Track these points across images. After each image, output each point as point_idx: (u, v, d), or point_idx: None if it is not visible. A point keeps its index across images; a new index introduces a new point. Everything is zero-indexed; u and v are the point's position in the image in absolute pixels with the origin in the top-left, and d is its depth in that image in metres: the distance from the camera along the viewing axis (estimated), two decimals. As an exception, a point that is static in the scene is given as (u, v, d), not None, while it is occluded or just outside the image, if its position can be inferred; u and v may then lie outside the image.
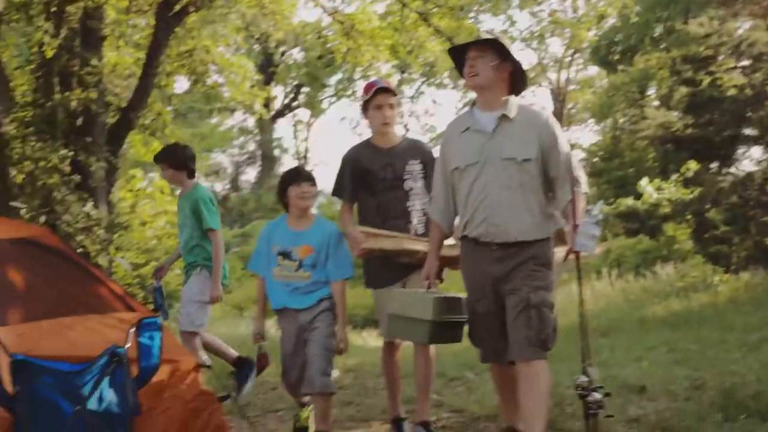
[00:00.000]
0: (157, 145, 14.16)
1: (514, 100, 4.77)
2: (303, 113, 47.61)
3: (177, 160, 6.75)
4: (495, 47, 4.70)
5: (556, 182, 4.68)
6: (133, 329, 4.68)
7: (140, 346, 4.68)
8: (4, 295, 5.01)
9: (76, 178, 10.10)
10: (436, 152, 5.34)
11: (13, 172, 9.94)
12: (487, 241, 4.64)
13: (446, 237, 5.03)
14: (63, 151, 10.13)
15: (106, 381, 4.53)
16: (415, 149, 5.68)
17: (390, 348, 5.69)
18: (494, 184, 4.63)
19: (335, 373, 5.76)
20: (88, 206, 10.04)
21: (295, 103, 45.95)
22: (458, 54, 4.87)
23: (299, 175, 5.63)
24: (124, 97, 11.90)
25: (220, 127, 45.49)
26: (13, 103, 10.30)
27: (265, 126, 43.68)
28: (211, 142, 43.79)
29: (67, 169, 10.06)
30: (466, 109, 4.94)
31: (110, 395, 4.56)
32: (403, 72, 36.89)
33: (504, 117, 4.67)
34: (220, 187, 47.21)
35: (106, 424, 4.52)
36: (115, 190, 11.58)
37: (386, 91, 5.64)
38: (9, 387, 4.42)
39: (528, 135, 4.64)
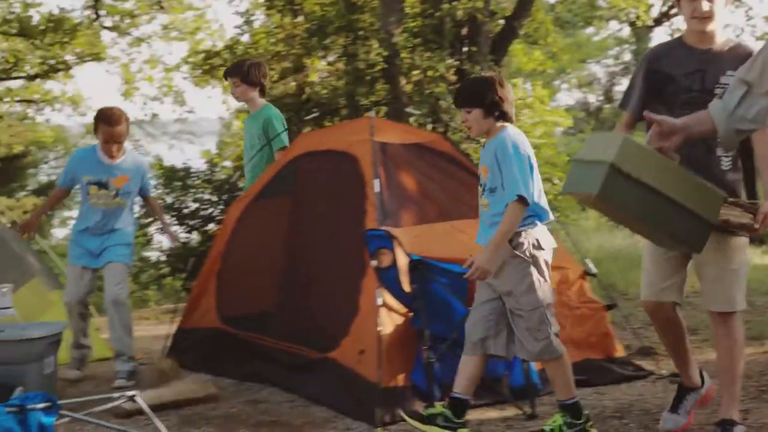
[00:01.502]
0: (538, 54, 14.16)
1: None
2: (680, 21, 45.53)
3: (250, 76, 6.25)
4: None
5: None
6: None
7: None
8: (400, 197, 5.25)
9: (461, 86, 10.35)
10: None
11: (402, 80, 10.40)
12: None
13: None
14: (449, 61, 10.42)
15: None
16: (738, 55, 3.92)
17: (654, 311, 4.20)
18: None
19: None
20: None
21: (673, 11, 43.93)
22: None
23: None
24: (507, 7, 11.95)
25: (595, 37, 44.55)
26: (403, 14, 10.72)
27: (641, 35, 42.15)
28: (586, 52, 43.03)
29: (453, 77, 10.35)
30: None
31: (500, 298, 4.64)
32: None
33: None
34: (593, 98, 46.51)
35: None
36: (497, 98, 11.74)
37: None
38: (407, 285, 4.64)
39: None
